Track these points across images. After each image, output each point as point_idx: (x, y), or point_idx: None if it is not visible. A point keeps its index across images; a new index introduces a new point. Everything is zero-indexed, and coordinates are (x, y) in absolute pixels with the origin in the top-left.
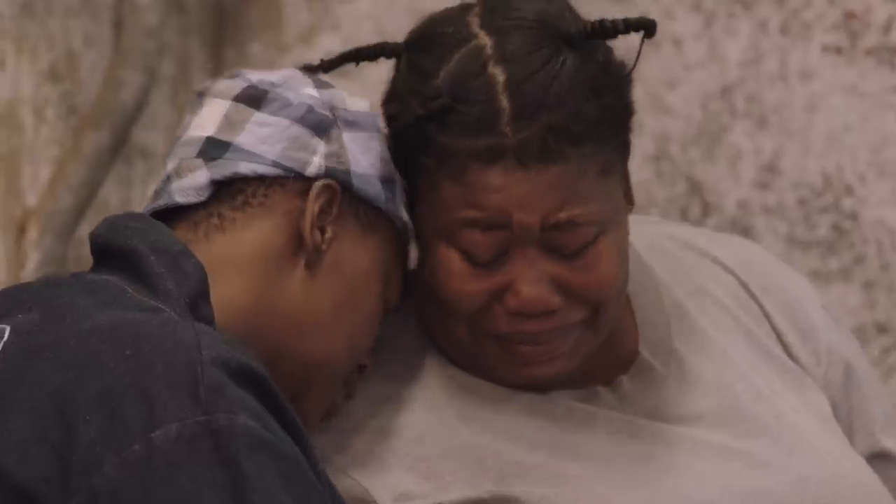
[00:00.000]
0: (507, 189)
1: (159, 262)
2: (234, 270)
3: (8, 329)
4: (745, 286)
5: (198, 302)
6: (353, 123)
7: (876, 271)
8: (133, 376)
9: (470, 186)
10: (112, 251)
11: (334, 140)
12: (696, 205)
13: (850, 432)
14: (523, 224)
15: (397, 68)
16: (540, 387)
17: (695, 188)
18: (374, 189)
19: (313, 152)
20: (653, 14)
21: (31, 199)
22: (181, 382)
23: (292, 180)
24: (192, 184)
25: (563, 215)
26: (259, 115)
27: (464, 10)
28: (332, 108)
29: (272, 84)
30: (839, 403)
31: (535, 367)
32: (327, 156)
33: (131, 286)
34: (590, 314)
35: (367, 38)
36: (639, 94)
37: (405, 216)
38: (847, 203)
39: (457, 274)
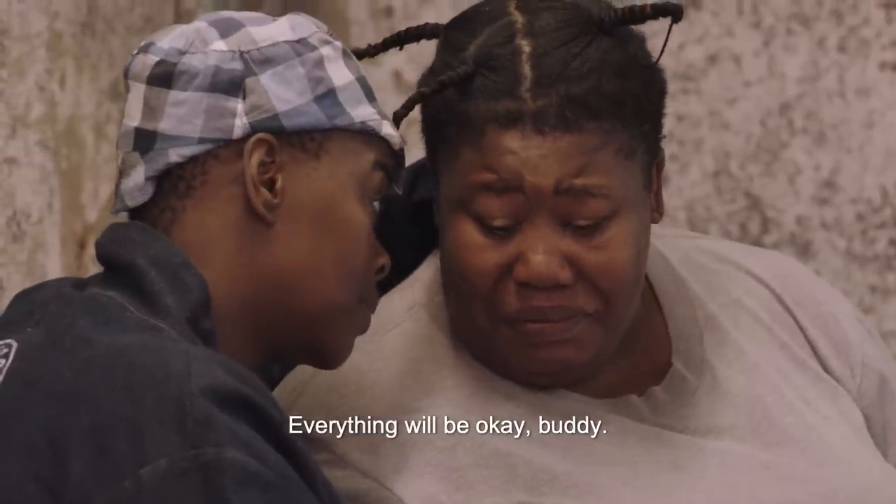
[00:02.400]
0: (523, 152)
1: (159, 276)
2: (202, 258)
3: (14, 348)
4: (779, 299)
5: (199, 315)
6: (267, 61)
7: None
8: (124, 410)
9: (486, 150)
10: (114, 264)
11: (251, 91)
12: (756, 220)
13: (884, 445)
14: (536, 187)
15: (437, 47)
16: (566, 387)
17: (754, 204)
18: (309, 116)
19: (233, 114)
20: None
21: (92, 215)
22: (170, 416)
23: (223, 149)
24: (134, 184)
25: (577, 181)
26: (172, 95)
27: None
28: (243, 54)
29: (178, 52)
30: (874, 416)
31: (545, 349)
32: (248, 111)
33: (132, 303)
34: (601, 306)
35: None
36: (699, 110)
37: (357, 113)
38: None
39: (471, 245)
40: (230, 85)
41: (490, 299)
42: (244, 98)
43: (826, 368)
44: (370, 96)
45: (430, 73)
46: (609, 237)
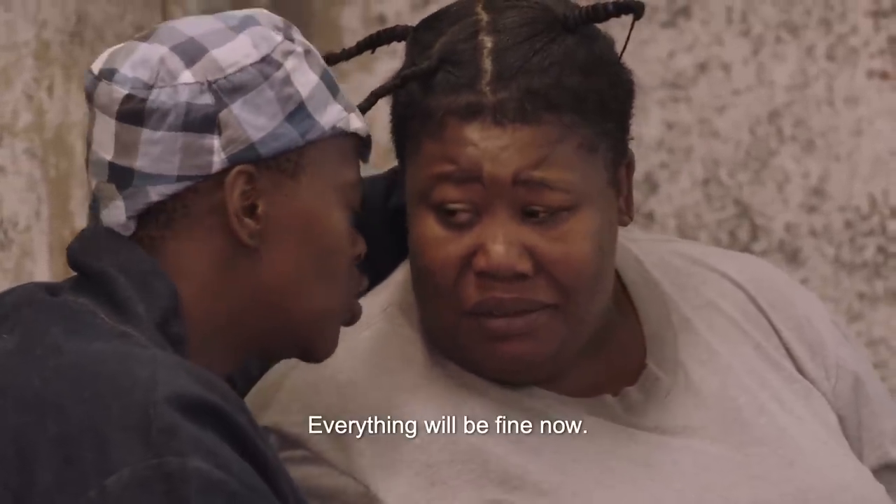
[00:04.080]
0: (483, 143)
1: (129, 283)
2: (184, 281)
3: None
4: (753, 301)
5: (168, 320)
6: (236, 90)
7: None
8: (90, 419)
9: (447, 142)
10: (85, 271)
11: (226, 125)
12: (745, 228)
13: (859, 446)
14: (494, 177)
15: (405, 47)
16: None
17: (743, 211)
18: (283, 138)
19: (210, 151)
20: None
21: (81, 223)
22: (134, 425)
23: (202, 182)
24: (115, 220)
25: (536, 173)
26: (145, 133)
27: None
28: (211, 85)
29: (145, 86)
30: (848, 417)
31: (506, 343)
32: (225, 146)
33: (103, 309)
34: (561, 299)
35: None
36: (688, 118)
37: (326, 119)
38: (893, 226)
39: (433, 238)
40: (204, 122)
41: (453, 293)
42: (220, 133)
43: (800, 370)
44: (334, 91)
45: (398, 73)
46: (568, 229)
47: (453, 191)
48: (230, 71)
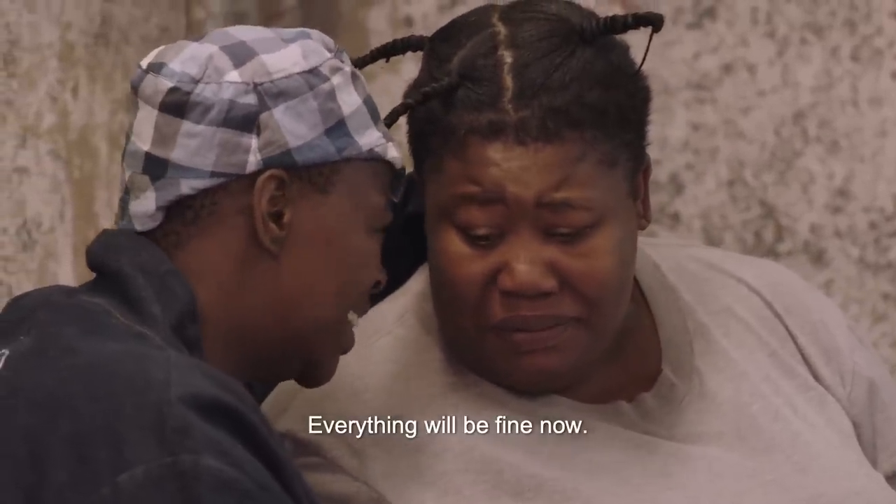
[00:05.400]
0: (505, 164)
1: (146, 283)
2: (202, 281)
3: (5, 356)
4: (770, 306)
5: (184, 323)
6: (281, 95)
7: None
8: (104, 418)
9: (469, 161)
10: (103, 270)
11: (265, 126)
12: (770, 229)
13: (873, 452)
14: (518, 198)
15: (423, 59)
16: (556, 392)
17: (769, 212)
18: (320, 150)
19: (247, 151)
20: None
21: (105, 224)
22: (148, 424)
23: (234, 181)
24: (143, 211)
25: (558, 195)
26: (185, 126)
27: (488, 7)
28: (256, 86)
29: (192, 80)
30: (863, 423)
31: (532, 357)
32: (262, 147)
33: (119, 309)
34: (585, 312)
35: None
36: (714, 119)
37: (365, 141)
38: None
39: (456, 255)
40: (244, 121)
41: (476, 308)
42: (258, 134)
43: (816, 376)
44: (375, 118)
45: (415, 86)
46: (592, 245)
47: (477, 213)
48: (277, 76)
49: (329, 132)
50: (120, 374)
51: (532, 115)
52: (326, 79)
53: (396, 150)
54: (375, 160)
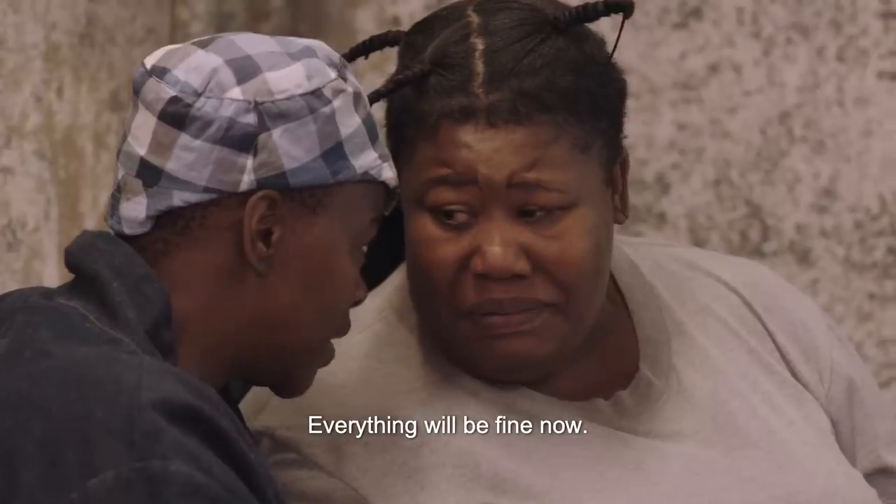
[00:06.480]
0: (476, 145)
1: (121, 287)
2: (186, 292)
3: None
4: (748, 305)
5: (159, 328)
6: (281, 116)
7: None
8: (75, 422)
9: (441, 145)
10: (80, 272)
11: (263, 148)
12: (756, 228)
13: (852, 450)
14: (489, 180)
15: (398, 52)
16: (533, 387)
17: (754, 212)
18: (314, 173)
19: (242, 170)
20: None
21: (91, 224)
22: (119, 428)
23: (226, 198)
24: (134, 216)
25: (530, 176)
26: (183, 138)
27: (464, 1)
28: (258, 105)
29: (194, 92)
30: (842, 421)
31: (505, 340)
32: (257, 168)
33: (93, 313)
34: (560, 297)
35: None
36: (700, 119)
37: (360, 163)
38: None
39: (429, 239)
40: (242, 140)
41: (450, 293)
42: (255, 154)
43: (794, 374)
44: (373, 137)
45: (391, 78)
46: (564, 228)
47: (449, 193)
48: (279, 97)
49: (325, 155)
50: (92, 379)
51: (503, 99)
52: (328, 101)
53: (391, 171)
54: (369, 182)
